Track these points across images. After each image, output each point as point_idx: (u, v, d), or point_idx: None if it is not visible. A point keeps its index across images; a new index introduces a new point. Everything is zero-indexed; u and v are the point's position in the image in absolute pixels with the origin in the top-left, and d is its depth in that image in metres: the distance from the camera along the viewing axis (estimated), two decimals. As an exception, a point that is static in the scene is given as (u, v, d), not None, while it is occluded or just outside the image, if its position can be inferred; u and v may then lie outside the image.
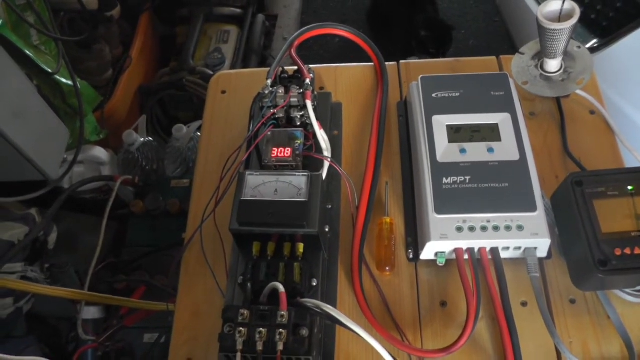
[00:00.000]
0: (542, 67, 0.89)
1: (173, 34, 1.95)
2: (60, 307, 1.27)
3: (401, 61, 0.96)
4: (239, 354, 0.61)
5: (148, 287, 1.35)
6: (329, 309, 0.63)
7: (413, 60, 0.97)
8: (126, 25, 1.84)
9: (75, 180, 1.49)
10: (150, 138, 1.61)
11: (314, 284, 0.70)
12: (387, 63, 0.94)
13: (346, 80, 0.96)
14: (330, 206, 0.80)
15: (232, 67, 1.79)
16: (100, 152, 1.58)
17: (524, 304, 0.74)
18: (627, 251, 0.66)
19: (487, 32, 2.19)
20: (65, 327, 1.31)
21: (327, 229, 0.76)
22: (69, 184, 1.48)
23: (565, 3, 0.81)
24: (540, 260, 0.76)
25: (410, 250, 0.77)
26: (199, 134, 1.57)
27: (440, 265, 0.73)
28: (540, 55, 0.89)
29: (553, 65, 0.88)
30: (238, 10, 1.91)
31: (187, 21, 1.90)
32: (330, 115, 0.87)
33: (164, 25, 1.99)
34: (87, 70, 1.65)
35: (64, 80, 1.39)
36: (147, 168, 1.60)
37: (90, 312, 1.29)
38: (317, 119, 0.79)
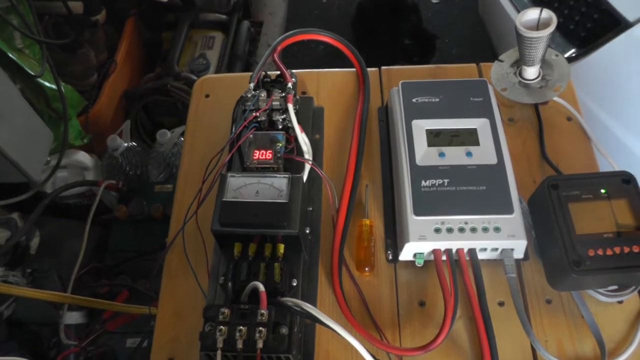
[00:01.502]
0: (520, 75, 0.91)
1: (159, 40, 1.95)
2: (42, 312, 1.26)
3: (383, 67, 0.98)
4: (219, 352, 0.62)
5: (130, 291, 1.34)
6: (308, 307, 0.64)
7: (395, 67, 0.98)
8: (112, 30, 1.84)
9: (59, 185, 1.48)
10: (134, 143, 1.61)
11: (294, 284, 0.71)
12: (368, 69, 0.96)
13: (328, 85, 0.97)
14: (311, 208, 0.81)
15: (217, 72, 1.80)
16: (84, 157, 1.58)
17: (501, 304, 0.75)
18: (600, 252, 0.68)
19: (470, 41, 2.23)
20: (47, 332, 1.30)
21: (307, 231, 0.77)
22: (52, 188, 1.47)
23: (543, 12, 0.83)
24: (518, 261, 0.77)
25: (389, 252, 0.79)
26: (182, 139, 1.57)
27: (419, 266, 0.75)
28: (519, 63, 0.91)
29: (531, 72, 0.90)
30: (223, 17, 1.92)
31: (173, 27, 1.91)
32: (312, 119, 0.89)
33: (150, 30, 1.99)
34: (71, 74, 1.65)
35: (47, 84, 1.39)
36: (130, 173, 1.60)
37: (73, 317, 1.29)
38: (299, 122, 0.81)
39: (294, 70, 0.88)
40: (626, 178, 0.73)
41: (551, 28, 0.81)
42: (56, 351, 1.26)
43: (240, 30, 1.92)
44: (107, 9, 1.74)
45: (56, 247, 1.42)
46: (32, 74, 1.32)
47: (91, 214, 1.36)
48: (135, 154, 1.61)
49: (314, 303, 0.75)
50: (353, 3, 2.12)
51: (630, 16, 1.17)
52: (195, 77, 1.73)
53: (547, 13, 0.83)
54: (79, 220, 1.43)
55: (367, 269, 0.75)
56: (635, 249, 0.68)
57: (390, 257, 0.78)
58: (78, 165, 1.58)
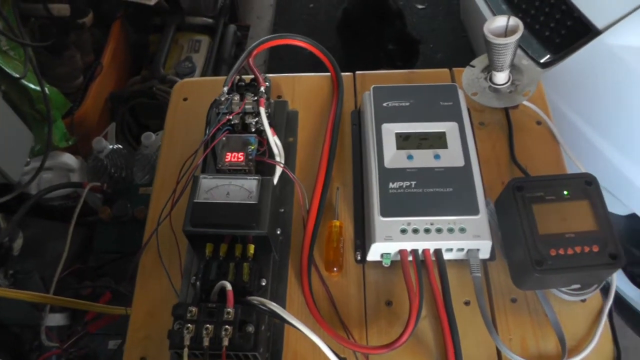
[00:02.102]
0: (491, 80, 0.93)
1: (146, 42, 1.96)
2: (24, 313, 1.26)
3: (357, 72, 1.00)
4: (186, 350, 0.63)
5: (113, 293, 1.35)
6: (273, 306, 0.65)
7: (369, 72, 1.00)
8: (98, 32, 1.84)
9: (44, 187, 1.49)
10: (119, 145, 1.62)
11: (264, 284, 0.73)
12: (343, 73, 0.98)
13: (303, 89, 0.99)
14: (283, 210, 0.83)
15: (203, 76, 1.82)
16: (69, 159, 1.59)
17: (467, 303, 0.77)
18: (562, 251, 0.70)
19: (454, 46, 2.25)
20: (28, 334, 1.30)
21: (278, 232, 0.79)
22: (37, 190, 1.48)
23: (510, 20, 0.85)
24: (484, 261, 0.80)
25: (358, 252, 0.80)
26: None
27: (386, 266, 0.77)
28: (489, 68, 0.93)
29: (501, 77, 0.92)
30: (210, 20, 1.93)
31: (160, 30, 1.92)
32: (286, 123, 0.90)
33: (137, 33, 2.00)
34: (57, 76, 1.65)
35: (32, 86, 1.40)
36: (115, 175, 1.61)
37: (55, 319, 1.29)
38: (273, 126, 0.82)
39: (270, 75, 0.90)
40: (588, 180, 0.75)
41: (518, 35, 0.84)
42: (37, 353, 1.26)
43: (227, 34, 1.94)
44: (94, 12, 1.75)
45: (40, 249, 1.42)
46: (16, 75, 1.33)
47: (75, 215, 1.36)
48: (121, 156, 1.62)
49: (283, 303, 0.77)
50: (339, 8, 2.14)
51: (599, 24, 1.20)
52: (181, 80, 1.74)
53: (514, 20, 0.85)
54: (64, 222, 1.43)
55: (335, 269, 0.77)
56: (595, 249, 0.70)
57: (359, 258, 0.80)
58: (63, 167, 1.59)
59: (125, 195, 1.52)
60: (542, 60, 1.35)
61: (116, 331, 1.32)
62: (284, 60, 2.18)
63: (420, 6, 2.40)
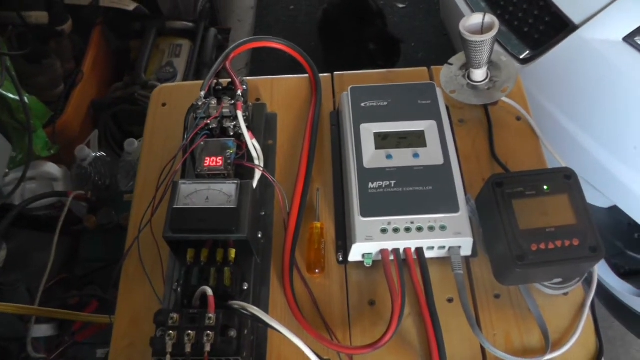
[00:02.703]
0: (469, 77, 0.93)
1: (127, 48, 1.95)
2: (9, 327, 1.25)
3: (335, 72, 1.00)
4: (168, 357, 0.63)
5: (100, 301, 1.34)
6: (254, 310, 0.65)
7: (347, 72, 1.00)
8: (78, 39, 1.83)
9: (28, 197, 1.48)
10: (102, 153, 1.61)
11: (245, 288, 0.72)
12: (321, 74, 0.98)
13: (282, 91, 0.99)
14: (264, 213, 0.83)
15: (184, 80, 1.81)
16: (52, 168, 1.57)
17: (450, 300, 0.77)
18: (542, 246, 0.70)
19: (436, 44, 2.26)
20: (15, 347, 1.29)
21: (259, 235, 0.79)
22: (21, 200, 1.47)
23: (486, 17, 0.86)
24: (467, 258, 0.80)
25: (340, 253, 0.80)
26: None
27: (368, 266, 0.77)
28: (467, 66, 0.93)
29: (479, 74, 0.92)
30: (190, 24, 1.93)
31: (140, 35, 1.91)
32: (265, 125, 0.90)
33: (118, 39, 1.99)
34: (37, 85, 1.64)
35: (10, 95, 1.38)
36: (99, 183, 1.60)
37: (42, 330, 1.28)
38: (252, 129, 0.82)
39: (248, 78, 0.90)
40: (567, 174, 0.75)
41: (494, 32, 0.84)
42: (25, 366, 1.25)
43: (207, 38, 1.93)
44: (73, 19, 1.73)
45: (24, 260, 1.41)
46: (-8, 85, 1.31)
47: (59, 224, 1.35)
48: (104, 163, 1.61)
49: (266, 306, 0.77)
50: (319, 9, 2.14)
51: (576, 19, 1.21)
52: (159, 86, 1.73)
53: (490, 18, 0.85)
54: (49, 232, 1.42)
55: (317, 270, 0.77)
56: (575, 242, 0.70)
57: (341, 259, 0.80)
58: (47, 177, 1.57)
59: (110, 202, 1.51)
60: (521, 56, 1.36)
61: (104, 340, 1.31)
62: (266, 62, 2.18)
63: (400, 5, 2.41)
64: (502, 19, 1.43)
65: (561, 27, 1.24)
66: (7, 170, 1.15)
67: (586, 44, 1.19)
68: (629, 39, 1.14)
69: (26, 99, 1.38)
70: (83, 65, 1.77)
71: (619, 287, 1.38)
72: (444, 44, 2.23)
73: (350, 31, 1.96)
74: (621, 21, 1.15)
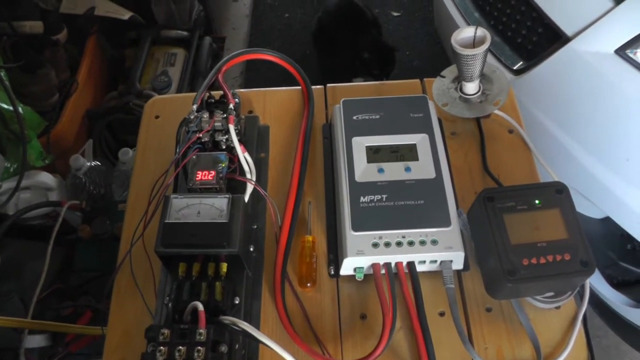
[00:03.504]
0: (461, 90, 0.94)
1: (122, 57, 1.96)
2: (3, 337, 1.25)
3: (328, 85, 1.00)
4: (159, 372, 0.63)
5: (94, 312, 1.34)
6: (244, 325, 0.65)
7: (339, 84, 1.00)
8: (73, 48, 1.83)
9: (22, 207, 1.47)
10: (97, 162, 1.61)
11: (237, 302, 0.72)
12: (314, 87, 0.98)
13: (274, 103, 0.99)
14: (255, 226, 0.83)
15: (179, 89, 1.81)
16: (46, 178, 1.57)
17: (441, 314, 0.77)
18: (534, 261, 0.70)
19: (430, 53, 2.27)
20: (9, 357, 1.29)
21: (251, 249, 0.79)
22: (15, 210, 1.46)
23: (478, 30, 0.86)
24: (458, 272, 0.80)
25: (331, 267, 0.80)
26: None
27: (359, 280, 0.77)
28: (460, 79, 0.94)
29: (471, 87, 0.93)
30: (185, 33, 1.93)
31: (135, 44, 1.92)
32: (257, 138, 0.90)
33: (113, 48, 1.99)
34: (31, 95, 1.64)
35: (4, 105, 1.38)
36: (94, 192, 1.59)
37: (36, 341, 1.28)
38: (244, 142, 0.83)
39: (240, 90, 0.90)
40: (559, 188, 0.75)
41: (485, 45, 0.84)
42: (18, 377, 1.25)
43: (202, 47, 1.93)
44: (68, 28, 1.74)
45: (18, 269, 1.40)
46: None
47: (54, 234, 1.35)
48: (99, 173, 1.61)
49: (258, 320, 0.76)
50: (314, 17, 2.14)
51: (568, 31, 1.21)
52: (157, 95, 1.73)
53: (481, 31, 0.86)
54: (44, 242, 1.42)
55: (309, 284, 0.77)
56: (567, 257, 0.70)
57: (332, 272, 0.80)
58: (41, 186, 1.57)
59: (105, 212, 1.50)
60: (514, 67, 1.36)
61: (98, 350, 1.30)
62: (261, 71, 2.18)
63: (395, 14, 2.41)
64: (496, 29, 1.44)
65: (554, 38, 1.25)
66: (0, 182, 1.14)
67: (578, 56, 1.19)
68: (620, 51, 1.15)
69: (20, 109, 1.38)
70: (78, 74, 1.76)
71: (613, 298, 1.38)
72: (439, 53, 2.24)
73: (344, 39, 1.96)
74: (613, 33, 1.16)
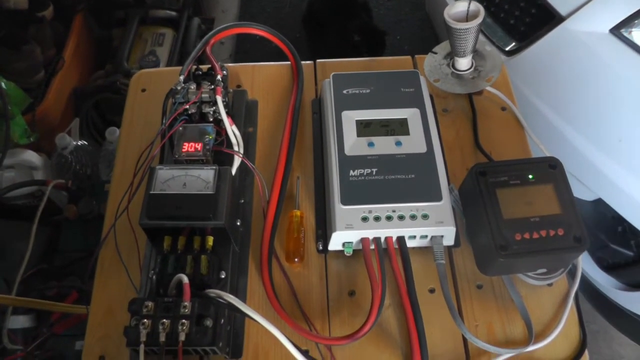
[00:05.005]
0: (453, 66, 0.92)
1: (109, 36, 1.92)
2: (-17, 318, 1.23)
3: (318, 60, 0.98)
4: (142, 347, 0.61)
5: (80, 292, 1.32)
6: (230, 298, 0.63)
7: (329, 60, 0.98)
8: (60, 26, 1.80)
9: (6, 185, 1.45)
10: (84, 141, 1.58)
11: (223, 276, 0.71)
12: (303, 62, 0.96)
13: (263, 78, 0.97)
14: (243, 200, 0.81)
15: (168, 69, 1.78)
16: (31, 156, 1.54)
17: (431, 291, 0.76)
18: (527, 236, 0.69)
19: (421, 37, 2.25)
20: (-8, 339, 1.27)
21: (238, 223, 0.77)
22: (-1, 189, 1.44)
23: (471, 4, 0.84)
24: (449, 248, 0.79)
25: (320, 242, 0.79)
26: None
27: (348, 255, 0.75)
28: (452, 55, 0.92)
29: (463, 63, 0.91)
30: (173, 13, 1.90)
31: (123, 23, 1.88)
32: (246, 112, 0.88)
33: (101, 27, 1.96)
34: (16, 71, 1.60)
35: (-14, 81, 1.35)
36: (80, 172, 1.57)
37: (19, 322, 1.26)
38: (232, 115, 0.81)
39: (229, 64, 0.88)
40: (553, 163, 0.74)
41: (479, 19, 0.83)
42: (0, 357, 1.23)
43: (191, 27, 1.90)
44: (55, 5, 1.70)
45: (2, 250, 1.39)
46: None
47: (38, 214, 1.33)
48: (85, 152, 1.58)
49: (244, 295, 0.75)
50: (304, 0, 2.12)
51: (562, 10, 1.20)
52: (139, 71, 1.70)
53: (475, 5, 0.84)
54: (28, 222, 1.39)
55: (296, 259, 0.76)
56: (560, 232, 0.69)
57: (321, 248, 0.78)
58: (26, 165, 1.55)
59: (91, 192, 1.49)
60: (507, 48, 1.35)
61: (83, 331, 1.28)
62: (250, 53, 2.16)
63: (386, -2, 2.39)
64: (488, 11, 1.42)
65: (547, 18, 1.23)
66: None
67: (572, 35, 1.18)
68: (615, 30, 1.13)
69: (3, 85, 1.35)
70: (64, 52, 1.73)
71: (603, 281, 1.38)
72: (430, 37, 2.22)
73: (334, 23, 1.94)
74: (608, 13, 1.14)
